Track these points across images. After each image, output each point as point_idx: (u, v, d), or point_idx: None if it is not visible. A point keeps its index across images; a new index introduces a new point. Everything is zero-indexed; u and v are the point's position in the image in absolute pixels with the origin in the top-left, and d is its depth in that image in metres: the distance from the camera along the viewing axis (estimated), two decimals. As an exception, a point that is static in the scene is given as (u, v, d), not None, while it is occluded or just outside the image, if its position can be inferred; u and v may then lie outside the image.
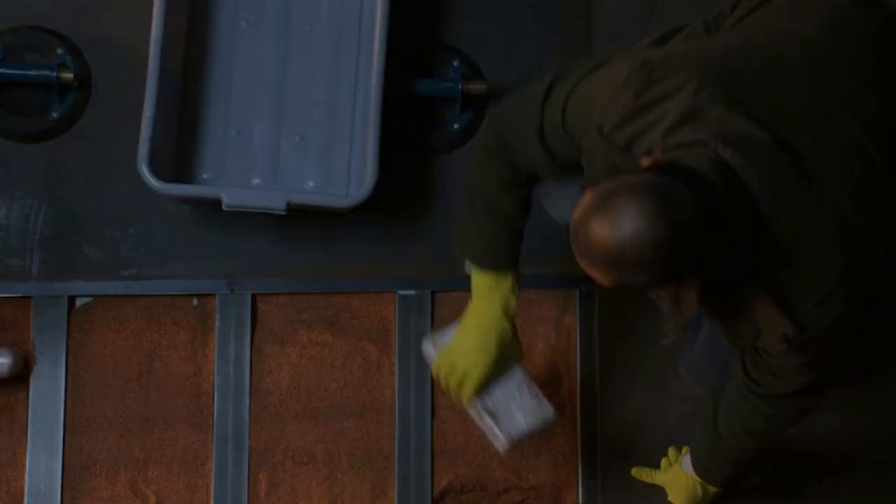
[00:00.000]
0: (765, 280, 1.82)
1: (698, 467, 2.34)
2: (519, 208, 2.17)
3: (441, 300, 2.61)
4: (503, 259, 2.22)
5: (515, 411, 2.29)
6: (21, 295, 2.56)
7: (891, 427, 2.58)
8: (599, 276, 1.75)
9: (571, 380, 2.61)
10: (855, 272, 1.83)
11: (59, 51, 2.60)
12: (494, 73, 2.67)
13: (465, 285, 2.59)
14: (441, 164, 2.65)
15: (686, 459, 2.38)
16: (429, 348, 2.31)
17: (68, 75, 2.56)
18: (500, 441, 2.28)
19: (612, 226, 1.69)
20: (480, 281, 2.24)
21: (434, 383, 2.58)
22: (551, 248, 2.63)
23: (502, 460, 2.58)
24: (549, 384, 2.61)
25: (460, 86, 2.62)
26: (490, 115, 2.14)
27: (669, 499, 2.43)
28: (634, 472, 2.49)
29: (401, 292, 2.61)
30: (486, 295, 2.24)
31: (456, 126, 2.65)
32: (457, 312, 2.60)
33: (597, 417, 2.58)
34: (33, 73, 2.57)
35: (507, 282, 2.23)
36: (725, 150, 1.77)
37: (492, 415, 2.28)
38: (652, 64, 1.87)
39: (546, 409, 2.31)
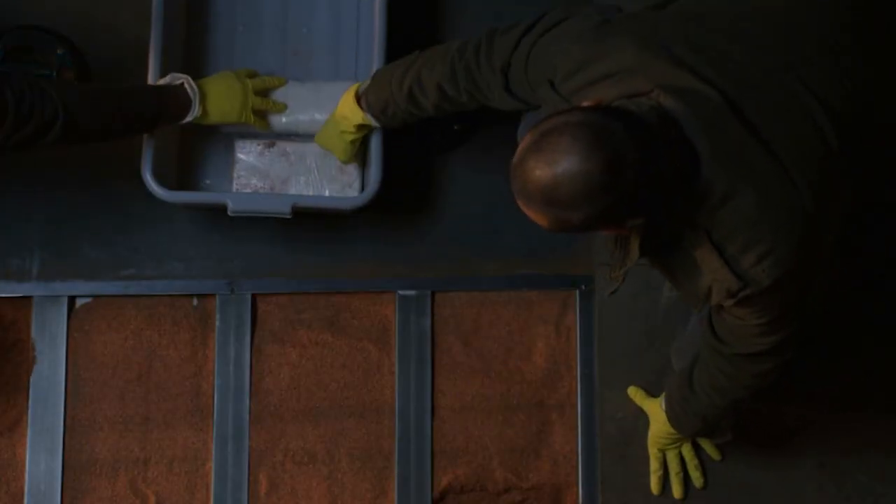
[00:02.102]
0: (707, 233, 1.84)
1: (670, 416, 2.39)
2: (430, 112, 2.30)
3: (441, 300, 2.61)
4: (393, 119, 2.38)
5: None
6: (21, 295, 2.57)
7: (889, 427, 2.58)
8: (537, 216, 1.77)
9: (571, 380, 2.61)
10: (799, 235, 1.84)
11: (59, 51, 2.59)
12: (494, 73, 2.67)
13: (465, 286, 2.61)
14: (441, 165, 2.65)
15: (664, 401, 2.42)
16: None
17: (68, 75, 2.56)
18: None
19: (547, 161, 1.72)
20: (355, 111, 2.41)
21: (434, 383, 2.59)
22: (551, 249, 2.63)
23: (503, 460, 2.59)
24: (549, 384, 2.61)
25: (460, 86, 2.62)
26: (482, 35, 2.19)
27: (650, 427, 2.50)
28: (630, 390, 2.54)
29: (401, 292, 2.61)
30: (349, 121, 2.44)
31: (456, 127, 2.65)
32: (457, 312, 2.61)
33: (597, 417, 2.58)
34: (33, 73, 2.57)
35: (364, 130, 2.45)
36: (667, 99, 1.80)
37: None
38: (609, 25, 1.93)
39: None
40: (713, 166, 1.79)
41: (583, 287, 2.61)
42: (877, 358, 2.58)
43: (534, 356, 2.61)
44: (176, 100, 2.40)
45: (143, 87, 2.45)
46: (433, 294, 2.62)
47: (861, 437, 2.57)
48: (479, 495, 2.58)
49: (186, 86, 2.40)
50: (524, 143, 1.76)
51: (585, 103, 1.80)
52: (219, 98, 2.44)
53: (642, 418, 2.53)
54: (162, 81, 2.43)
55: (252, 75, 2.52)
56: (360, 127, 2.44)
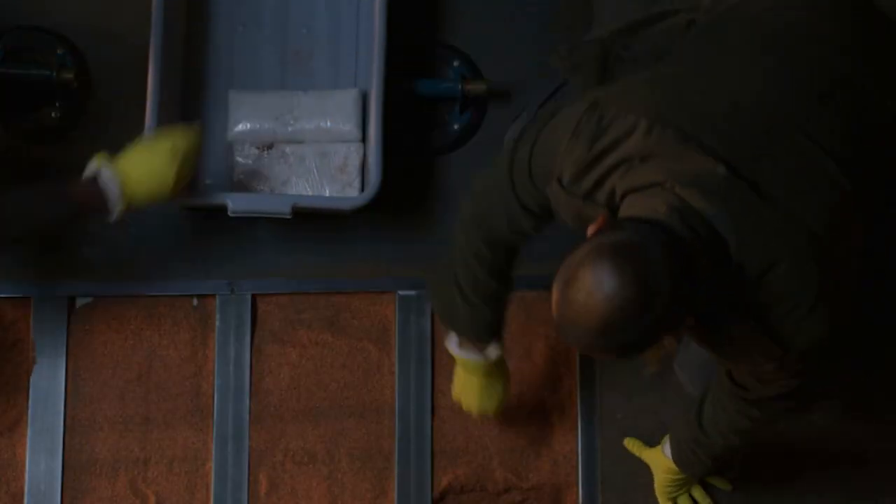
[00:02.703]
0: (745, 307, 1.82)
1: (678, 460, 2.36)
2: (503, 285, 2.20)
3: (441, 300, 2.61)
4: (488, 333, 2.30)
5: None
6: (21, 295, 2.56)
7: (891, 427, 2.58)
8: (606, 356, 1.77)
9: (571, 380, 2.61)
10: (832, 289, 1.83)
11: (59, 51, 2.60)
12: (494, 73, 2.67)
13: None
14: (441, 165, 2.66)
15: (666, 446, 2.40)
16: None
17: (68, 75, 2.56)
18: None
19: (584, 306, 1.68)
20: (465, 359, 2.35)
21: (434, 383, 2.59)
22: (551, 249, 2.62)
23: (503, 460, 2.58)
24: (549, 384, 2.61)
25: (460, 86, 2.62)
26: (464, 197, 2.15)
27: (654, 477, 2.49)
28: (627, 441, 2.53)
29: (401, 292, 2.61)
30: (473, 372, 2.38)
31: (456, 126, 2.65)
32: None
33: (597, 417, 2.58)
34: (33, 73, 2.57)
35: (488, 359, 2.34)
36: (683, 190, 1.76)
37: None
38: (601, 107, 1.86)
39: None
40: (743, 249, 1.77)
41: (583, 287, 2.61)
42: (877, 358, 2.58)
43: (534, 356, 2.61)
44: (93, 201, 2.27)
45: (56, 193, 2.29)
46: (433, 294, 2.62)
47: (861, 438, 2.57)
48: (479, 495, 2.58)
49: (104, 182, 2.26)
50: (554, 298, 1.73)
51: (592, 229, 1.77)
52: (142, 183, 2.29)
53: (642, 418, 2.53)
54: (86, 173, 2.29)
55: (189, 139, 2.36)
56: (490, 362, 2.37)
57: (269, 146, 2.58)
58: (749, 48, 1.93)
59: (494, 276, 2.18)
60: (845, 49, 1.93)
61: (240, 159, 2.58)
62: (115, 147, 2.56)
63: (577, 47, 2.19)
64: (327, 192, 2.58)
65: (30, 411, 2.54)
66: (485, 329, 2.29)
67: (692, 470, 2.37)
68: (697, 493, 2.49)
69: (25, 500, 2.52)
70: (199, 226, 2.62)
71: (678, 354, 2.48)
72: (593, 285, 1.67)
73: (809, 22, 1.94)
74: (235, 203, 2.47)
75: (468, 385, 2.41)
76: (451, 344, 2.35)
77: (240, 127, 2.58)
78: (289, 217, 2.48)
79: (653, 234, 1.71)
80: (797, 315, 1.81)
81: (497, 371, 2.39)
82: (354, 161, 2.58)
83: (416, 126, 2.66)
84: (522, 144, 1.99)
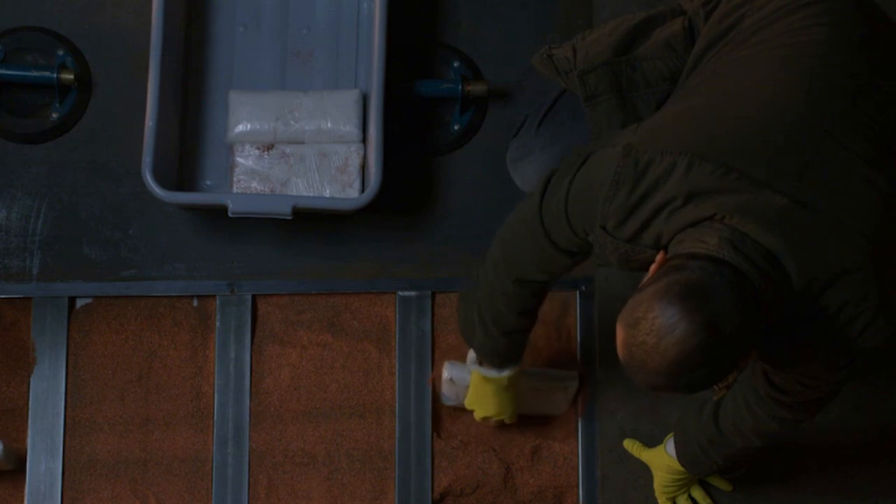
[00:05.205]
0: (809, 322, 1.81)
1: (685, 459, 2.36)
2: (526, 321, 2.24)
3: (441, 300, 2.61)
4: (505, 361, 2.37)
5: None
6: (21, 295, 2.57)
7: (891, 427, 2.58)
8: (676, 393, 1.74)
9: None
10: (892, 290, 1.82)
11: (60, 52, 2.60)
12: (494, 73, 2.67)
13: (464, 286, 2.61)
14: (442, 165, 2.66)
15: (670, 444, 2.40)
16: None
17: (68, 76, 2.57)
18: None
19: (654, 349, 1.68)
20: (482, 374, 2.41)
21: (434, 384, 2.59)
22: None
23: (503, 461, 2.58)
24: (549, 384, 2.61)
25: (461, 86, 2.62)
26: (494, 240, 2.17)
27: (654, 477, 2.49)
28: (626, 443, 2.53)
29: (401, 293, 2.61)
30: (488, 382, 2.42)
31: (456, 127, 2.66)
32: (455, 312, 2.61)
33: (597, 417, 2.58)
34: (34, 73, 2.58)
35: (504, 377, 2.40)
36: (733, 220, 1.76)
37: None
38: (637, 151, 1.86)
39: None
40: (803, 269, 1.76)
41: (583, 287, 2.61)
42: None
43: (534, 356, 2.61)
44: None
45: None
46: (433, 294, 2.61)
47: (861, 438, 2.57)
48: (480, 496, 2.58)
49: None
50: (620, 338, 1.72)
51: (653, 269, 1.77)
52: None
53: (642, 418, 2.53)
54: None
55: None
56: (506, 377, 2.42)
57: (270, 146, 2.58)
58: (775, 64, 1.92)
59: (518, 314, 2.21)
60: (865, 49, 1.93)
61: (240, 159, 2.58)
62: (114, 146, 2.58)
63: (587, 72, 2.15)
64: (327, 192, 2.58)
65: (30, 411, 2.54)
66: (499, 357, 2.35)
67: (699, 469, 2.37)
68: (697, 493, 2.49)
69: (25, 501, 2.52)
70: (199, 227, 2.62)
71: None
72: (663, 329, 1.66)
73: (830, 29, 1.93)
74: (235, 203, 2.47)
75: (484, 394, 2.44)
76: (469, 359, 2.41)
77: (240, 127, 2.58)
78: (289, 217, 2.48)
79: (718, 273, 1.70)
80: (863, 322, 1.81)
81: (513, 383, 2.42)
82: (355, 161, 2.58)
83: (416, 126, 2.66)
84: (553, 190, 1.98)
